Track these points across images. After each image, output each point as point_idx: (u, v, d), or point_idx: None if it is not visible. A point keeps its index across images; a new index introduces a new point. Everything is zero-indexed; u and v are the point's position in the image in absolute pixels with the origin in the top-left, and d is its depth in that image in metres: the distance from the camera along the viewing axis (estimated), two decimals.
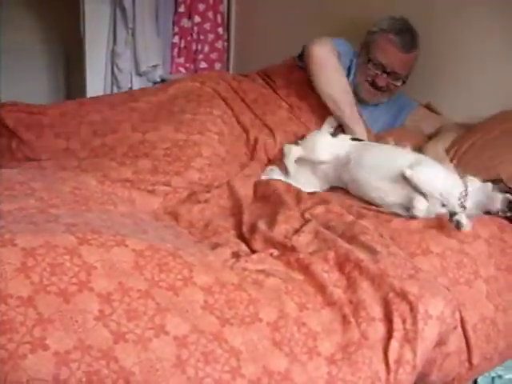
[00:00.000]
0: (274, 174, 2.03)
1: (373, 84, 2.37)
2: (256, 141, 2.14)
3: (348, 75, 2.40)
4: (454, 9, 2.48)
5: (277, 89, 2.36)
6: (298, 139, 2.16)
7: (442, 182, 1.76)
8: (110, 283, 1.14)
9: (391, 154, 1.93)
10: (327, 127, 2.19)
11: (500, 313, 1.58)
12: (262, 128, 2.18)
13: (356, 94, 2.40)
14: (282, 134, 2.19)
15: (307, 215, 1.69)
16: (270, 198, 1.83)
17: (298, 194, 1.85)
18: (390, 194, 1.81)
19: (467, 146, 2.15)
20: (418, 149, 2.16)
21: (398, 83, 2.38)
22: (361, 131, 2.18)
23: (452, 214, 1.64)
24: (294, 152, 2.04)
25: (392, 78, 2.35)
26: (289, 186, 1.92)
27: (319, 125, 2.24)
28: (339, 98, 2.19)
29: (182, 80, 2.37)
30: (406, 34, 2.32)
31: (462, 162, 2.08)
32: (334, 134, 2.09)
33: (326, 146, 2.03)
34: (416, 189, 1.74)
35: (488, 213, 1.75)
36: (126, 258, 1.21)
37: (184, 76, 3.46)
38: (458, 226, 1.61)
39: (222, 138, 2.04)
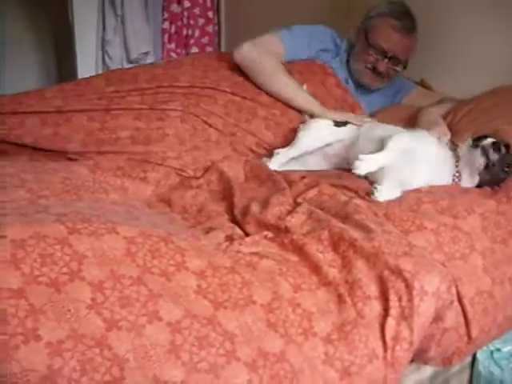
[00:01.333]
0: (279, 157, 1.98)
1: (373, 70, 2.35)
2: (238, 119, 2.11)
3: (335, 56, 2.42)
4: None
5: None
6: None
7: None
8: (101, 271, 1.13)
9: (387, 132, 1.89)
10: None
11: (497, 285, 1.58)
12: (241, 111, 2.15)
13: (356, 79, 2.41)
14: (267, 114, 2.17)
15: (300, 200, 1.67)
16: (264, 181, 1.81)
17: (289, 177, 1.83)
18: None
19: (462, 115, 2.16)
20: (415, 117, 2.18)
21: (399, 68, 2.36)
22: (319, 110, 2.16)
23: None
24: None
25: (393, 62, 2.32)
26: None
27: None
28: (285, 94, 2.19)
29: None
30: (406, 18, 2.30)
31: (457, 128, 2.09)
32: (340, 124, 2.04)
33: (320, 135, 2.01)
34: None
35: (490, 181, 1.78)
36: (118, 246, 1.20)
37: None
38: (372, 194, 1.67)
39: (185, 120, 2.03)
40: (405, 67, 2.37)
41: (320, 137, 2.00)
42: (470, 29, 2.41)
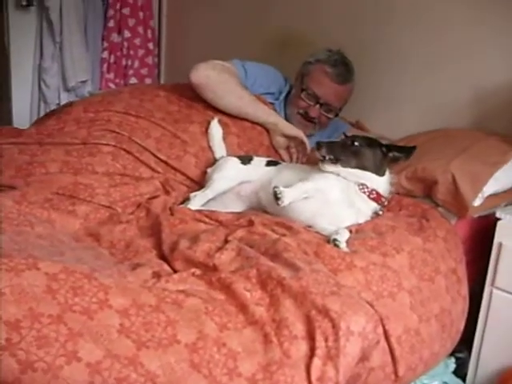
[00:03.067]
0: (197, 199, 1.97)
1: (305, 116, 2.37)
2: (169, 156, 2.10)
3: (275, 100, 2.44)
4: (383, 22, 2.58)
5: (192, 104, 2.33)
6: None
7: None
8: (19, 309, 1.09)
9: (302, 175, 1.92)
10: (216, 131, 2.20)
11: (423, 323, 1.61)
12: (172, 147, 2.15)
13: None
14: (198, 150, 2.17)
15: (230, 238, 1.66)
16: (190, 224, 1.80)
17: (219, 219, 1.83)
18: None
19: None
20: None
21: (331, 115, 2.39)
22: (285, 123, 2.27)
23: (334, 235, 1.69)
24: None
25: (325, 109, 2.36)
26: (209, 213, 1.88)
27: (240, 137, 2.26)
28: (246, 109, 2.24)
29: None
30: (342, 67, 2.34)
31: None
32: (245, 161, 2.07)
33: (231, 174, 2.02)
34: None
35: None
36: (38, 282, 1.16)
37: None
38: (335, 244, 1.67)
39: (116, 158, 2.01)
40: (337, 114, 2.41)
41: (232, 176, 2.02)
42: (406, 71, 2.51)
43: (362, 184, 1.83)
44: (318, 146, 1.85)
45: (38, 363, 1.04)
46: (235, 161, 2.06)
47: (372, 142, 1.88)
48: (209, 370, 1.19)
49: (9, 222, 1.50)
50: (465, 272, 1.84)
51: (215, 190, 1.98)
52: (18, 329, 1.06)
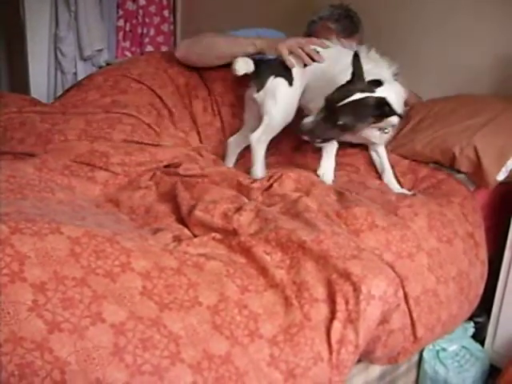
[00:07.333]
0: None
1: None
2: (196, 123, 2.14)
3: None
4: None
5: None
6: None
7: None
8: (43, 272, 1.11)
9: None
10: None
11: (441, 284, 1.61)
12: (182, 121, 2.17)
13: None
14: (201, 125, 2.20)
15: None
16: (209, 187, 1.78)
17: (240, 182, 1.80)
18: None
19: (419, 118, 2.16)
20: None
21: None
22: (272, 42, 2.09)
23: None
24: None
25: None
26: (232, 175, 1.84)
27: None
28: (233, 48, 2.11)
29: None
30: (345, 20, 2.27)
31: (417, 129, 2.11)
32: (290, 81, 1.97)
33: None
34: None
35: None
36: (61, 246, 1.17)
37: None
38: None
39: (136, 129, 2.01)
40: None
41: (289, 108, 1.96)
42: (427, 36, 2.47)
43: None
44: (301, 131, 1.75)
45: (64, 324, 1.05)
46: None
47: (356, 108, 1.71)
48: (230, 331, 1.20)
49: (31, 189, 1.51)
50: (483, 237, 1.83)
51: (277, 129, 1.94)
52: (43, 291, 1.08)
